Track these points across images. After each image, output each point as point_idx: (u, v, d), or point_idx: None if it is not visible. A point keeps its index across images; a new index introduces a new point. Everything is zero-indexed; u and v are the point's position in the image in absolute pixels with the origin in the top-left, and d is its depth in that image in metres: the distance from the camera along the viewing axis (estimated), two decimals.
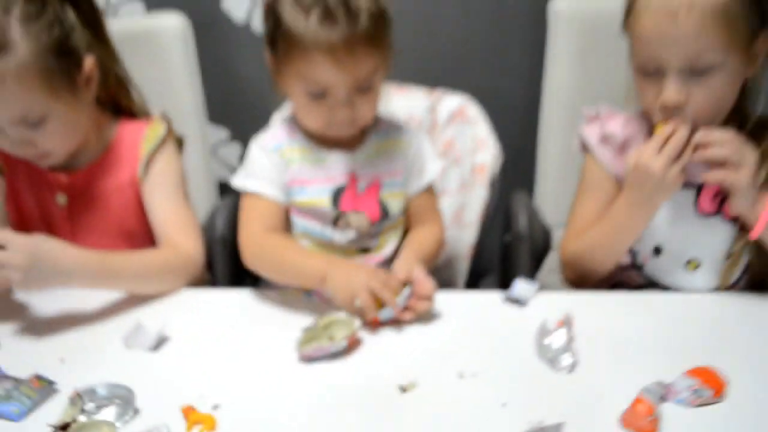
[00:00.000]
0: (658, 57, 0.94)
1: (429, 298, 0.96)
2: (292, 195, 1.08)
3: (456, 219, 1.33)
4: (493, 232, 1.34)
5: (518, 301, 1.01)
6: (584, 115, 1.11)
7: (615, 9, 1.02)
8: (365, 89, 1.00)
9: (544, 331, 0.90)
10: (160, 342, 0.93)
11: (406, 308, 0.95)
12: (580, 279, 1.09)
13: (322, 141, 1.08)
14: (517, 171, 1.46)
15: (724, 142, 0.94)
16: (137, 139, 1.13)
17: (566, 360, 0.86)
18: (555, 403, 0.78)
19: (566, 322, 0.91)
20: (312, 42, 0.94)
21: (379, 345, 0.92)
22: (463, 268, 1.31)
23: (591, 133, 1.09)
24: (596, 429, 0.74)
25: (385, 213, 1.10)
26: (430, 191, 1.17)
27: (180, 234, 1.12)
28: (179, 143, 1.21)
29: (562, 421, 0.72)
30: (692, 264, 1.06)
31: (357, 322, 0.90)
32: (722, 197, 1.02)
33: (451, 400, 0.80)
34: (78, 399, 0.79)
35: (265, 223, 1.06)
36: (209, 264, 1.23)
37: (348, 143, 1.08)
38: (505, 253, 1.27)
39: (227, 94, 1.70)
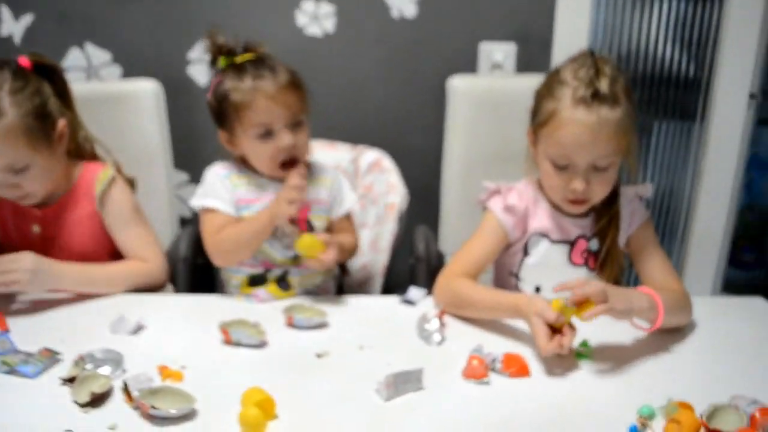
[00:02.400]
0: (572, 158, 1.22)
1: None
2: (240, 211, 1.41)
3: (372, 246, 1.67)
4: (402, 256, 1.69)
5: (411, 302, 1.36)
6: (485, 188, 1.41)
7: (500, 87, 1.37)
8: (298, 125, 1.37)
9: (424, 319, 1.24)
10: (138, 329, 1.23)
11: None
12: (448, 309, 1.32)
13: (267, 177, 1.42)
14: (426, 208, 1.83)
15: (595, 293, 1.10)
16: (93, 180, 1.45)
17: (436, 337, 1.20)
18: (426, 363, 1.11)
19: (440, 314, 1.25)
20: (252, 94, 1.32)
21: (305, 327, 1.25)
22: (378, 284, 1.65)
23: (495, 205, 1.37)
24: (447, 377, 1.09)
25: (310, 228, 1.44)
26: (348, 217, 1.54)
27: (142, 249, 1.45)
28: (131, 183, 1.52)
29: (422, 367, 1.05)
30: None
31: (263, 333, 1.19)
32: (588, 253, 1.37)
33: (353, 362, 1.14)
34: (80, 360, 1.09)
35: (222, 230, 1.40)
36: (173, 279, 1.54)
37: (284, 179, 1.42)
38: (410, 273, 1.62)
39: (189, 144, 2.04)
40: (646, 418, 0.90)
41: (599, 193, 1.29)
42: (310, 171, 1.47)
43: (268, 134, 1.35)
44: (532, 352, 1.15)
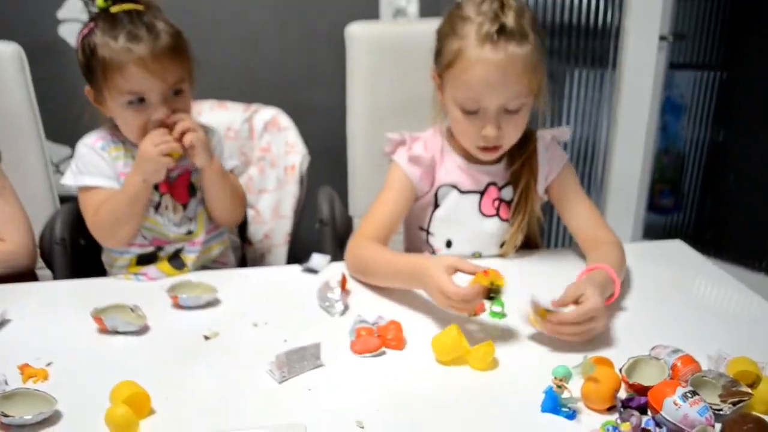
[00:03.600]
0: (481, 101, 1.13)
1: None
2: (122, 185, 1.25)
3: (274, 213, 1.55)
4: (308, 222, 1.56)
5: (313, 270, 1.24)
6: (390, 139, 1.30)
7: (403, 33, 1.26)
8: (176, 94, 1.21)
9: (326, 288, 1.13)
10: (1, 323, 1.07)
11: None
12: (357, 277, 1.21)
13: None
14: (332, 169, 1.70)
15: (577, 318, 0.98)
16: None
17: (338, 307, 1.09)
18: (326, 338, 1.00)
19: (342, 281, 1.14)
20: (124, 57, 1.14)
21: (192, 306, 1.11)
22: (282, 254, 1.52)
23: (400, 156, 1.28)
24: (340, 349, 0.99)
25: (193, 193, 1.30)
26: (231, 173, 1.38)
27: (3, 230, 1.28)
28: None
29: (319, 342, 0.94)
30: (476, 255, 1.31)
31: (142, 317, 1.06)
32: (499, 202, 1.28)
33: (245, 342, 1.01)
34: None
35: None
36: (50, 263, 1.37)
37: None
38: (317, 239, 1.50)
39: (67, 114, 1.83)
40: (562, 379, 0.81)
41: (512, 137, 1.20)
42: None
43: (139, 103, 1.19)
44: (443, 320, 1.06)
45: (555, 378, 0.82)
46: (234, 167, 1.38)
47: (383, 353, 0.97)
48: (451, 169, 1.27)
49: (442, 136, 1.29)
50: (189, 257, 1.30)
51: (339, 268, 1.23)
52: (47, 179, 1.61)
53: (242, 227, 1.57)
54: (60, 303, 1.16)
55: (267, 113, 1.57)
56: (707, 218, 2.84)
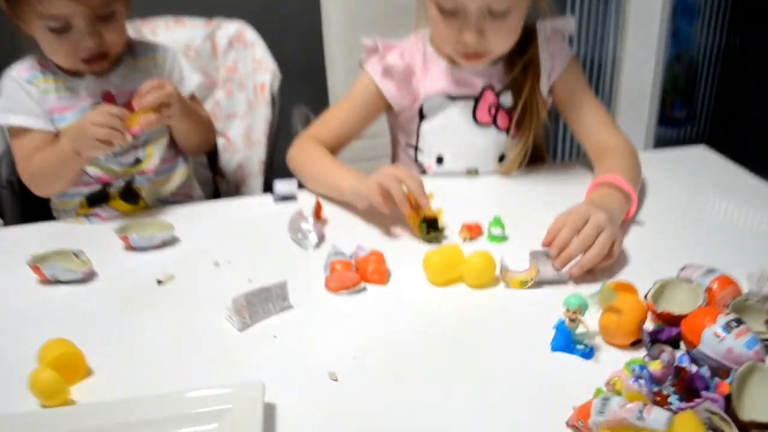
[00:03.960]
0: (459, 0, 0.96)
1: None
2: (56, 123, 1.09)
3: (246, 140, 1.38)
4: (285, 148, 1.40)
5: (286, 198, 1.08)
6: (364, 47, 1.13)
7: None
8: (107, 18, 1.03)
9: (298, 218, 0.97)
10: None
11: None
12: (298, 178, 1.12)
13: (75, 72, 1.09)
14: (311, 88, 1.52)
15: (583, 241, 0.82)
16: None
17: (312, 239, 0.94)
18: (297, 275, 0.86)
19: (317, 209, 0.98)
20: None
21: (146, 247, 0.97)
22: (258, 184, 1.36)
23: (371, 66, 1.12)
24: (313, 287, 0.84)
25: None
26: (193, 99, 1.21)
27: None
28: None
29: (285, 280, 0.79)
30: (471, 171, 1.14)
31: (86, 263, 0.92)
32: (497, 109, 1.11)
33: (203, 285, 0.87)
34: None
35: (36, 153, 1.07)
36: None
37: (100, 70, 1.09)
38: None
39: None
40: (575, 311, 0.67)
41: (498, 45, 1.02)
42: (133, 54, 1.14)
43: (64, 30, 1.01)
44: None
45: (567, 310, 0.67)
46: (197, 86, 1.21)
47: (363, 289, 0.83)
48: (438, 76, 1.10)
49: (425, 42, 1.11)
50: (143, 188, 1.14)
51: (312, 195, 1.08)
52: None
53: (212, 158, 1.41)
54: (2, 252, 1.01)
55: (230, 28, 1.38)
56: (722, 130, 2.67)
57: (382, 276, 0.83)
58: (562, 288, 0.80)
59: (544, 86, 1.09)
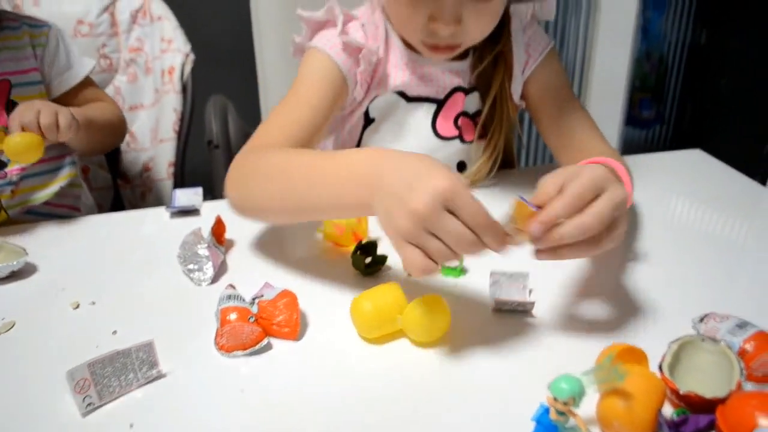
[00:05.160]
0: None
1: None
2: None
3: (153, 135, 1.14)
4: (198, 144, 1.16)
5: (184, 211, 0.85)
6: (305, 21, 0.85)
7: None
8: None
9: (195, 238, 0.74)
10: None
11: None
12: (238, 210, 0.74)
13: None
14: (234, 73, 1.28)
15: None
16: None
17: (207, 269, 0.70)
18: (182, 322, 0.63)
19: (216, 226, 0.75)
20: None
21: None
22: (166, 190, 1.13)
23: (324, 41, 0.82)
24: (200, 345, 0.60)
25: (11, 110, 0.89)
26: (90, 85, 0.99)
27: None
28: None
29: (151, 340, 0.56)
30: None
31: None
32: (463, 117, 0.89)
33: (56, 336, 0.63)
34: None
35: None
36: None
37: None
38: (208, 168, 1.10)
39: None
40: (566, 401, 0.45)
41: (476, 33, 0.79)
42: (1, 27, 0.90)
43: None
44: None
45: (555, 399, 0.45)
46: (86, 74, 0.97)
47: (267, 348, 0.60)
48: (395, 65, 0.86)
49: (381, 15, 0.86)
50: (3, 195, 0.89)
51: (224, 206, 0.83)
52: None
53: (113, 158, 1.16)
54: None
55: (134, 0, 1.13)
56: (690, 130, 2.55)
57: (293, 329, 0.60)
58: (545, 355, 0.58)
59: (517, 83, 0.87)
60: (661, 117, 2.67)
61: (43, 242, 0.80)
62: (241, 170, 0.73)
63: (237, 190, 0.72)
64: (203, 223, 0.79)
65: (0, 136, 0.83)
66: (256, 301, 0.62)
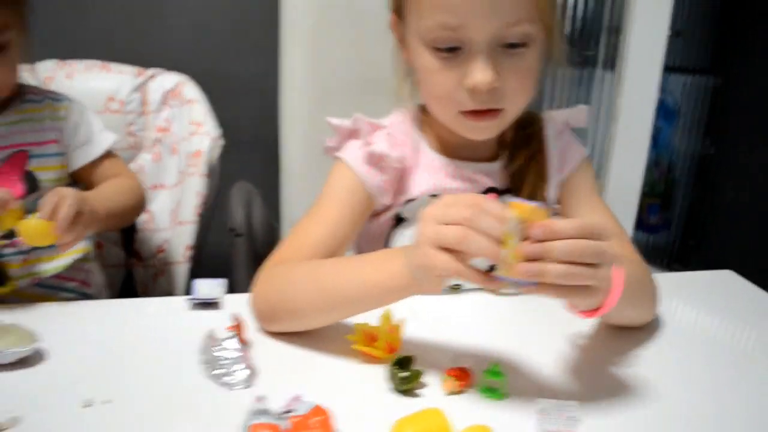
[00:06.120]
0: (463, 27, 0.72)
1: None
2: None
3: (173, 217, 1.11)
4: (219, 231, 1.13)
5: (208, 304, 0.81)
6: (335, 128, 0.86)
7: None
8: None
9: (211, 339, 0.70)
10: None
11: None
12: (268, 320, 0.76)
13: None
14: (258, 162, 1.27)
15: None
16: None
17: (240, 374, 0.66)
18: (205, 427, 0.58)
19: (236, 326, 0.71)
20: None
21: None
22: (181, 275, 1.09)
23: (350, 153, 0.83)
24: None
25: (33, 186, 0.90)
26: (111, 157, 1.01)
27: None
28: None
29: None
30: (454, 288, 0.89)
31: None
32: None
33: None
34: None
35: None
36: None
37: None
38: (229, 256, 1.06)
39: None
40: None
41: (516, 92, 0.77)
42: (23, 99, 0.92)
43: None
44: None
45: None
46: (106, 148, 0.97)
47: None
48: (428, 170, 0.84)
49: (411, 123, 0.86)
50: (14, 264, 0.86)
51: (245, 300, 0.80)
52: None
53: (128, 235, 1.13)
54: None
55: (167, 80, 1.15)
56: (698, 237, 2.58)
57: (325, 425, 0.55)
58: None
59: (552, 191, 0.86)
60: (668, 223, 2.70)
61: (54, 326, 0.75)
62: (270, 281, 0.75)
63: (267, 301, 0.74)
64: (224, 317, 0.75)
65: (18, 214, 0.80)
66: (287, 417, 0.57)
